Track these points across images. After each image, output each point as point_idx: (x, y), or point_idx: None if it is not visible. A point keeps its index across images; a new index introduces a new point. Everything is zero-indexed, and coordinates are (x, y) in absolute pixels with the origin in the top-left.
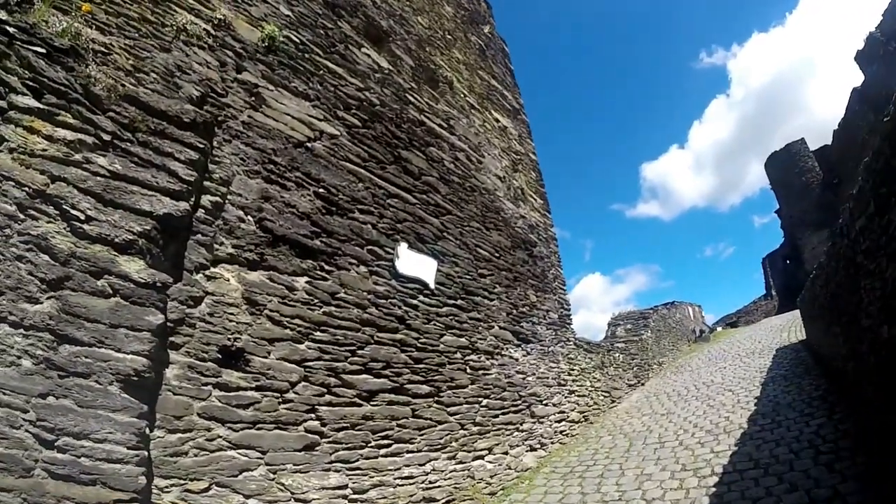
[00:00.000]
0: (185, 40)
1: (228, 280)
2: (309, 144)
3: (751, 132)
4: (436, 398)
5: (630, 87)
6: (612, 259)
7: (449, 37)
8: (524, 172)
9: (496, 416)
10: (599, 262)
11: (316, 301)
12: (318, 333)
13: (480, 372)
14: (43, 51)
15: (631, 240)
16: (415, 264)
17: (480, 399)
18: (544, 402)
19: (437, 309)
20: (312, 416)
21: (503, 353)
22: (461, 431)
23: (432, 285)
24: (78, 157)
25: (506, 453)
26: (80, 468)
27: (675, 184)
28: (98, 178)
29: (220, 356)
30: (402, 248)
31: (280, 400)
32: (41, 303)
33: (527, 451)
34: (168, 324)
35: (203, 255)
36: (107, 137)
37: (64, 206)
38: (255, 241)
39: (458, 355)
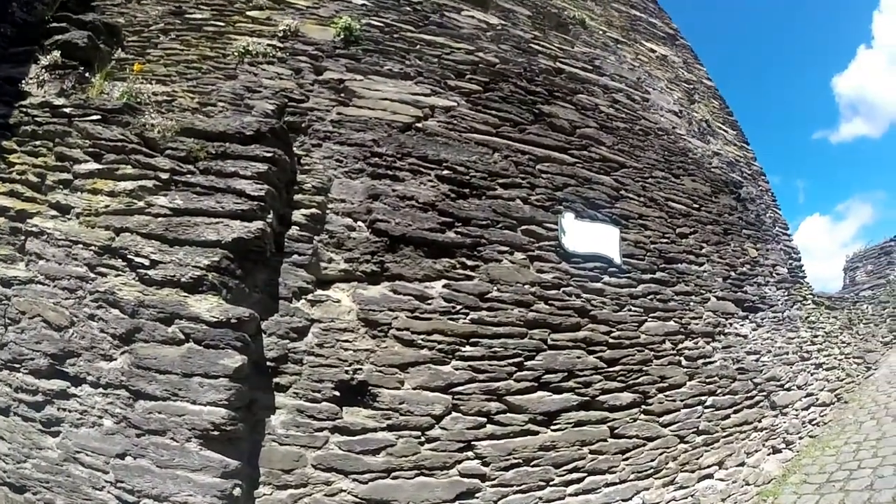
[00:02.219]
0: (249, 61)
1: (339, 301)
2: (419, 125)
3: None
4: (642, 407)
5: None
6: (829, 194)
7: None
8: (703, 102)
9: (726, 416)
10: (815, 201)
11: (459, 308)
12: (466, 349)
13: (700, 362)
14: (98, 117)
15: (843, 167)
16: (589, 237)
17: (703, 398)
18: (786, 387)
19: (630, 289)
20: (469, 454)
21: (726, 330)
22: (680, 446)
23: (618, 260)
24: (140, 203)
25: (742, 464)
26: None
27: (874, 92)
28: (160, 219)
29: (337, 394)
30: (568, 219)
31: (421, 439)
32: (115, 359)
33: (768, 454)
34: (268, 363)
35: (303, 277)
36: (164, 176)
37: (129, 256)
38: (370, 250)
39: (667, 345)
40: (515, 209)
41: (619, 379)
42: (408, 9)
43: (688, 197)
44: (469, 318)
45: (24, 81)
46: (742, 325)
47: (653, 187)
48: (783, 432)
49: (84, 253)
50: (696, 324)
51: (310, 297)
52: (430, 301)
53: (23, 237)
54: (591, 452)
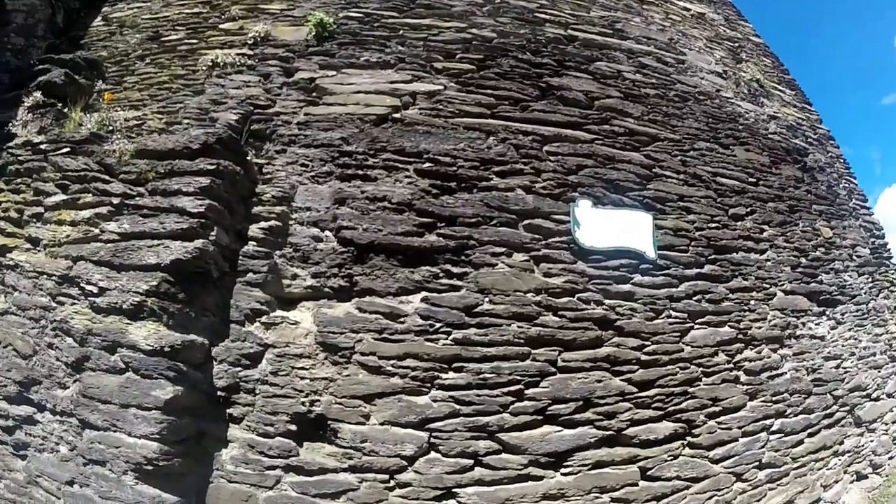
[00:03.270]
0: (218, 74)
1: (297, 323)
2: (397, 115)
3: None
4: (686, 440)
5: None
6: None
7: None
8: (753, 61)
9: (798, 442)
10: (893, 170)
11: (439, 326)
12: (447, 375)
13: (764, 376)
14: (68, 149)
15: None
16: (613, 228)
17: (768, 421)
18: (873, 396)
19: (670, 290)
20: (450, 502)
21: (798, 332)
22: (737, 486)
23: (652, 254)
24: (95, 230)
25: (817, 501)
26: None
27: None
28: (109, 245)
29: (293, 428)
30: (584, 208)
31: (389, 484)
32: (68, 388)
33: (850, 482)
34: (219, 393)
35: (257, 297)
36: (116, 201)
37: (82, 284)
38: (337, 263)
39: (720, 357)
40: (515, 201)
41: (654, 406)
42: None
43: (741, 170)
44: (452, 337)
45: (11, 124)
46: (818, 325)
47: (695, 161)
48: (869, 453)
49: (47, 283)
50: (759, 327)
51: (264, 319)
52: (402, 319)
53: (4, 271)
54: (614, 501)
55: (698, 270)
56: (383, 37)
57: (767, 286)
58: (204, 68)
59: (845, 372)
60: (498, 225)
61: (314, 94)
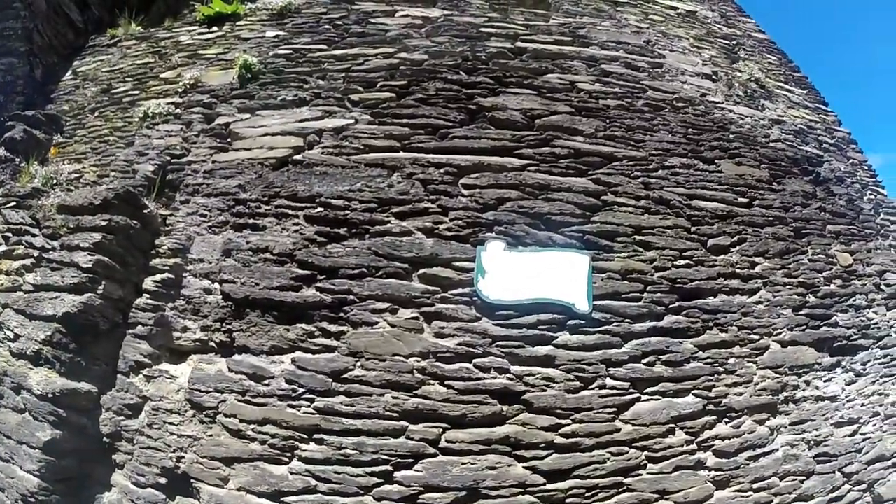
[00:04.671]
0: (148, 124)
1: (174, 378)
2: (298, 157)
3: None
4: None
5: None
6: None
7: None
8: (753, 59)
9: None
10: None
11: (302, 392)
12: (307, 447)
13: (743, 456)
14: (14, 203)
15: None
16: (532, 276)
17: None
18: None
19: (606, 351)
20: None
21: (799, 395)
22: None
23: (584, 306)
24: (20, 280)
25: None
26: None
27: None
28: (26, 294)
29: (163, 481)
30: (493, 252)
31: None
32: None
33: None
34: (105, 439)
35: (141, 350)
36: (37, 253)
37: (5, 330)
38: (219, 317)
39: (678, 436)
40: (409, 246)
41: (568, 502)
42: (327, 27)
43: (729, 189)
44: (314, 405)
45: None
46: (828, 381)
47: (663, 182)
48: None
49: None
50: (740, 393)
51: (146, 371)
52: (267, 382)
53: None
54: None
55: (653, 324)
56: (305, 72)
57: (756, 337)
58: (136, 119)
59: (864, 439)
60: (384, 276)
61: (228, 139)
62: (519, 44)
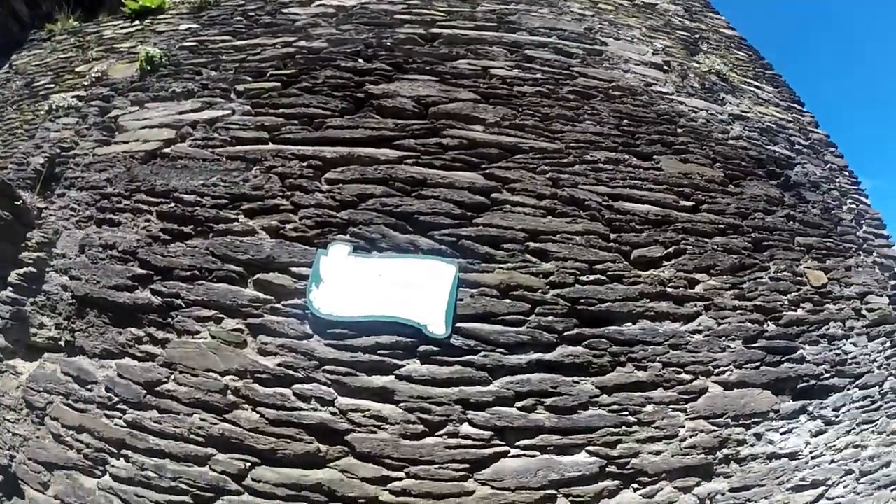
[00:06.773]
0: (52, 117)
1: (19, 374)
2: (167, 150)
3: None
4: None
5: None
6: None
7: None
8: (717, 53)
9: None
10: None
11: (117, 402)
12: (116, 463)
13: None
14: None
15: None
16: (382, 288)
17: None
18: None
19: (466, 388)
20: None
21: (743, 451)
22: None
23: (439, 329)
24: None
25: None
26: None
27: None
28: None
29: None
30: (335, 257)
31: None
32: None
33: None
34: None
35: None
36: None
37: None
38: (67, 315)
39: None
40: (247, 247)
41: None
42: (239, 18)
43: (668, 189)
44: (125, 418)
45: None
46: (787, 433)
47: (578, 178)
48: None
49: None
50: (656, 451)
51: None
52: (90, 387)
53: None
54: None
55: (538, 356)
56: (201, 64)
57: (688, 377)
58: (43, 112)
59: None
60: (216, 280)
61: (115, 132)
62: (434, 30)
